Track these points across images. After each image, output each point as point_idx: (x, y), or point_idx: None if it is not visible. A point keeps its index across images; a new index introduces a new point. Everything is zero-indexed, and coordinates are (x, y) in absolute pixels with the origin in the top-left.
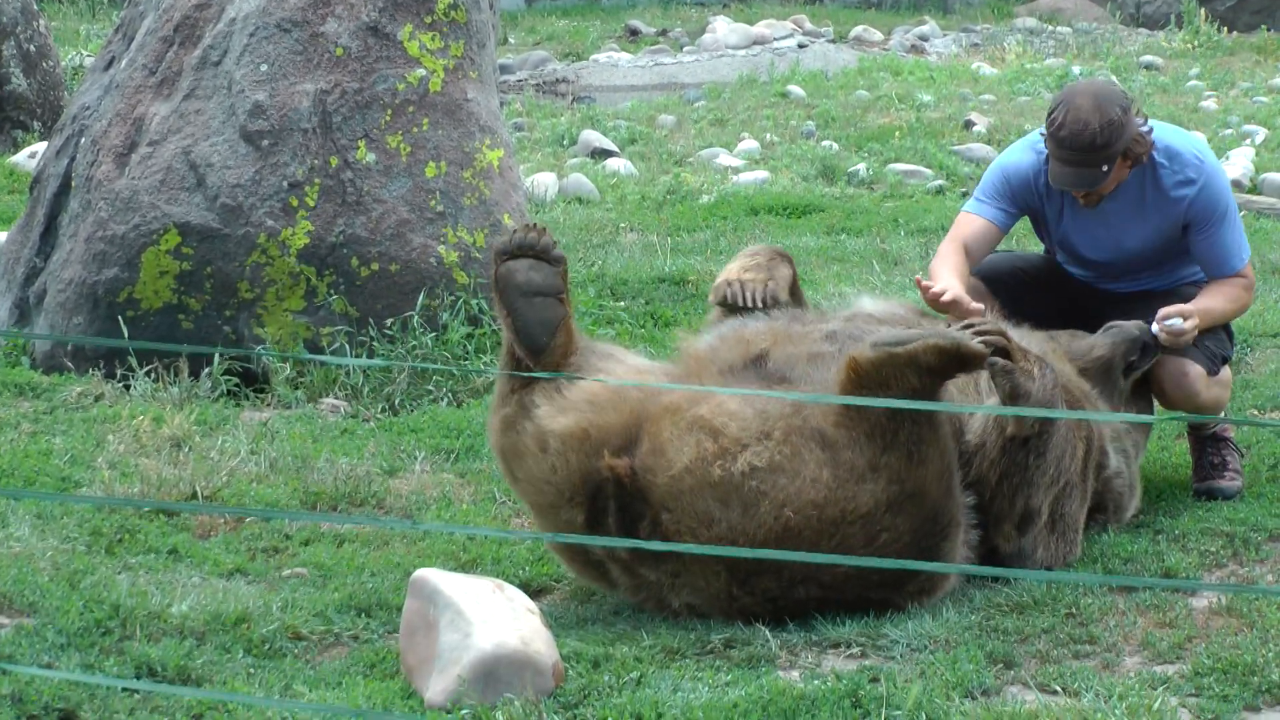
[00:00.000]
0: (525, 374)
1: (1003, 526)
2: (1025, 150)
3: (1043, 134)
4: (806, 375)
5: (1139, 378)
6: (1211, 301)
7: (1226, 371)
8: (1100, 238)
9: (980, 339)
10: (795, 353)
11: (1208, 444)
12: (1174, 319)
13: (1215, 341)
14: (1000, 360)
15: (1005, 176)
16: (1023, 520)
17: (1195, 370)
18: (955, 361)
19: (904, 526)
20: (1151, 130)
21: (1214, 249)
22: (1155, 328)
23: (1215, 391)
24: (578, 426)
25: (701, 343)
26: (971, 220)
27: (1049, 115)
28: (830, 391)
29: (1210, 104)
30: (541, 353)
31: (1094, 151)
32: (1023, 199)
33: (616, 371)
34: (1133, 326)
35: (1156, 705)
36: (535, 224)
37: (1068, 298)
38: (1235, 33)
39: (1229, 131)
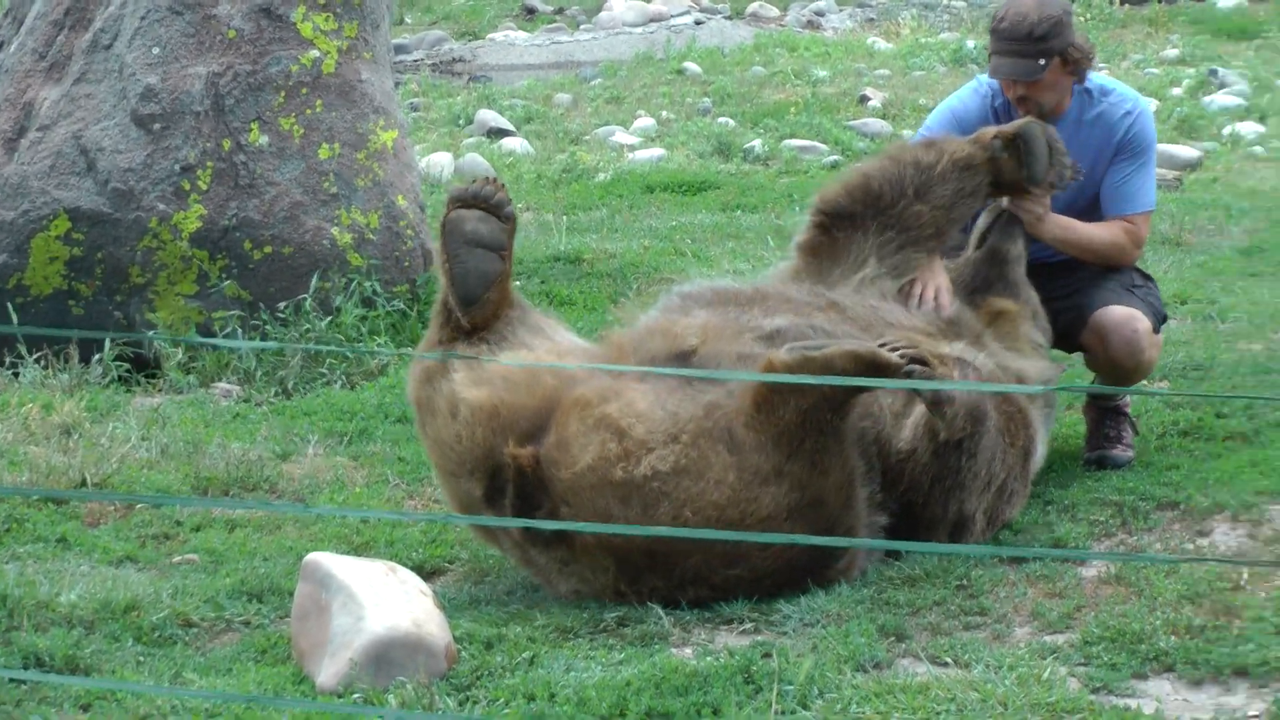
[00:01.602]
0: (433, 355)
1: (936, 534)
2: (970, 94)
3: (980, 80)
4: (727, 383)
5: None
6: (1094, 228)
7: (1160, 335)
8: None
9: (897, 353)
10: (724, 351)
11: (1108, 416)
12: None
13: (1155, 299)
14: (919, 368)
15: (955, 117)
16: (956, 527)
17: (1145, 326)
18: (870, 370)
19: (801, 533)
20: (1094, 49)
21: (1126, 184)
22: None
23: (1153, 354)
24: (489, 402)
25: (629, 331)
26: None
27: (993, 18)
28: (746, 394)
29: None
30: (473, 304)
31: (1031, 41)
32: None
33: (539, 349)
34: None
35: (1046, 675)
36: (494, 179)
37: None
38: (1127, 5)
39: None
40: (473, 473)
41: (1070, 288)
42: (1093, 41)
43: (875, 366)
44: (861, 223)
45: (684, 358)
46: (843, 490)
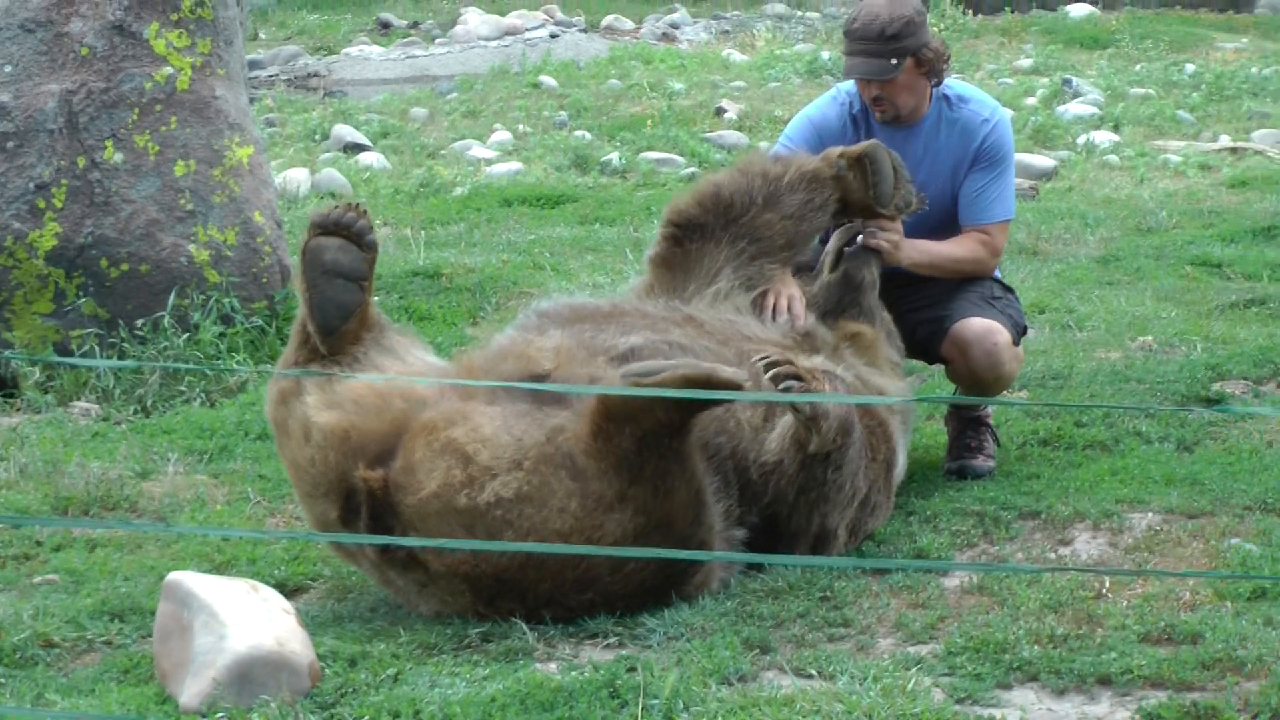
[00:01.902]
0: (289, 372)
1: (799, 546)
2: (829, 103)
3: (839, 89)
4: (583, 401)
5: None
6: (950, 247)
7: (1021, 349)
8: None
9: (771, 371)
10: (577, 375)
11: (969, 426)
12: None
13: (1015, 311)
14: (793, 383)
15: (814, 127)
16: (819, 540)
17: (1004, 338)
18: (707, 390)
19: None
20: (949, 52)
21: (984, 193)
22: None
23: (1013, 366)
24: (339, 426)
25: (483, 352)
26: None
27: (846, 21)
28: (584, 421)
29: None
30: (332, 334)
31: (883, 41)
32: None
33: (391, 372)
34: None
35: (910, 686)
36: (357, 204)
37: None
38: (980, 15)
39: None
40: (327, 495)
41: (929, 300)
42: (947, 46)
43: (711, 387)
44: (713, 233)
45: (537, 381)
46: (690, 510)
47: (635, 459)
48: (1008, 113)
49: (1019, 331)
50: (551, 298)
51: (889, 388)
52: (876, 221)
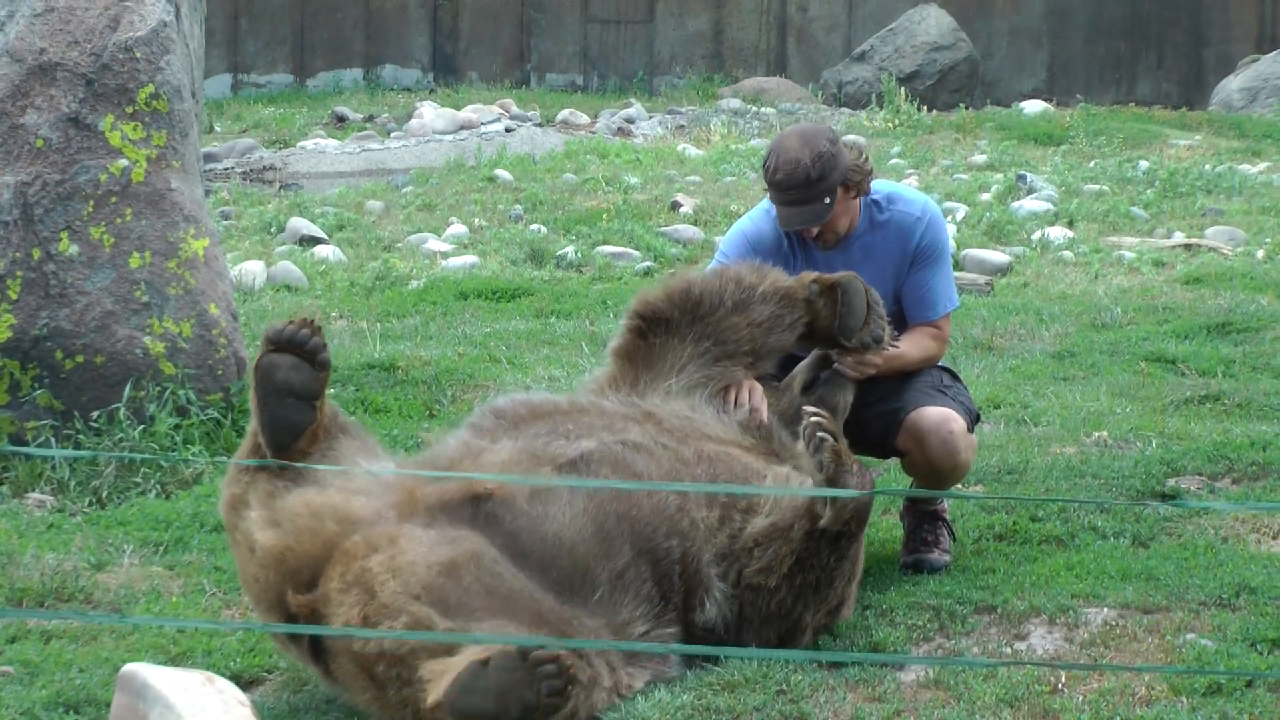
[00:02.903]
0: (246, 461)
1: (766, 631)
2: (763, 216)
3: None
4: (526, 517)
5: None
6: (908, 350)
7: (974, 436)
8: None
9: (814, 418)
10: (516, 491)
11: (925, 520)
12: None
13: (966, 398)
14: (828, 438)
15: (749, 242)
16: (788, 634)
17: (960, 425)
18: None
19: None
20: (868, 160)
21: (927, 289)
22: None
23: (968, 455)
24: (277, 547)
25: (431, 460)
26: None
27: (764, 165)
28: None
29: (912, 181)
30: (283, 451)
31: (810, 186)
32: (769, 262)
33: (330, 489)
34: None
35: None
36: (310, 320)
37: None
38: (935, 111)
39: None
40: (269, 610)
41: (880, 394)
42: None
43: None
44: (678, 329)
45: (476, 503)
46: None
47: None
48: (936, 205)
49: (972, 418)
50: (508, 394)
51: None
52: (856, 355)
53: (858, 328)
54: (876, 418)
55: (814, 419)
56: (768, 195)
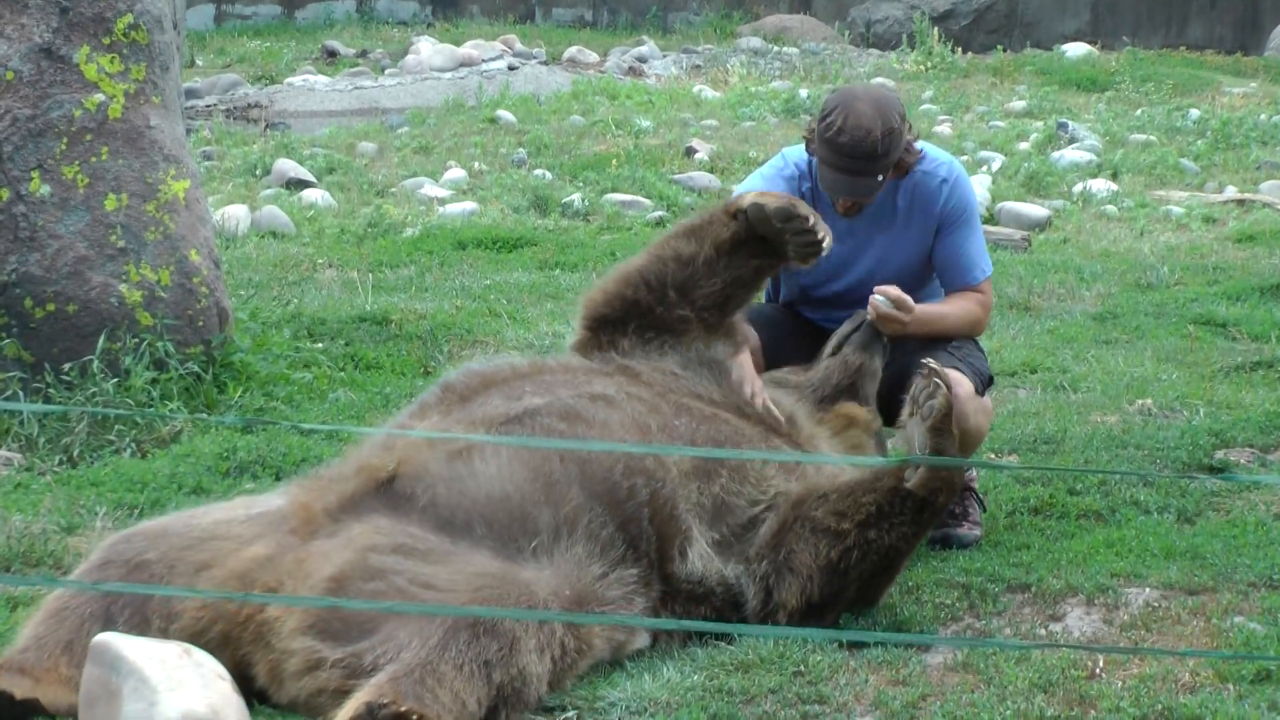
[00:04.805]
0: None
1: (810, 586)
2: (776, 177)
3: (786, 158)
4: (443, 483)
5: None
6: (944, 307)
7: (989, 400)
8: (859, 256)
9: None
10: (427, 459)
11: None
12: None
13: (978, 360)
14: (946, 396)
15: None
16: (830, 598)
17: (966, 389)
18: None
19: None
20: (917, 136)
21: (959, 254)
22: (870, 305)
23: (981, 419)
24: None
25: (313, 484)
26: None
27: (824, 119)
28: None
29: (945, 129)
30: None
31: (874, 160)
32: None
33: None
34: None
35: None
36: None
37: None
38: (970, 54)
39: (964, 158)
40: None
41: (891, 354)
42: (931, 90)
43: None
44: (629, 327)
45: (382, 488)
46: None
47: None
48: (961, 166)
49: (983, 381)
50: (462, 367)
51: (844, 475)
52: (884, 291)
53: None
54: (886, 382)
55: (928, 363)
56: (806, 148)
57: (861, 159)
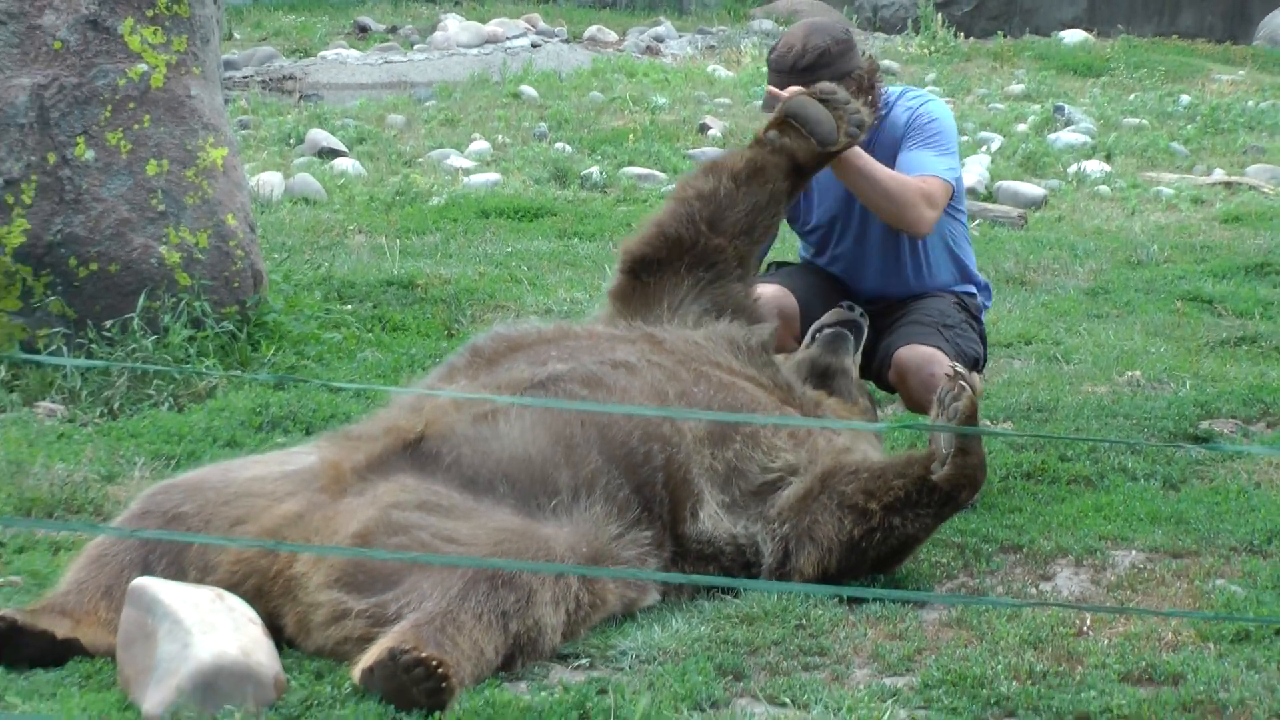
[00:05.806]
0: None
1: (828, 559)
2: None
3: None
4: (469, 444)
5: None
6: (882, 170)
7: (977, 377)
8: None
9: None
10: (454, 421)
11: None
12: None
13: (966, 340)
14: (970, 398)
15: None
16: (846, 571)
17: (944, 369)
18: None
19: None
20: (877, 71)
21: (916, 156)
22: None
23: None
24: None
25: (344, 442)
26: None
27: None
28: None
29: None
30: None
31: (797, 74)
32: None
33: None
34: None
35: (885, 717)
36: None
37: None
38: (972, 38)
39: (965, 138)
40: None
41: (882, 327)
42: (934, 73)
43: None
44: (670, 265)
45: (409, 449)
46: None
47: None
48: (943, 104)
49: (969, 363)
50: (489, 331)
51: (873, 455)
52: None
53: (834, 131)
54: (875, 353)
55: (954, 366)
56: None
57: (784, 72)
